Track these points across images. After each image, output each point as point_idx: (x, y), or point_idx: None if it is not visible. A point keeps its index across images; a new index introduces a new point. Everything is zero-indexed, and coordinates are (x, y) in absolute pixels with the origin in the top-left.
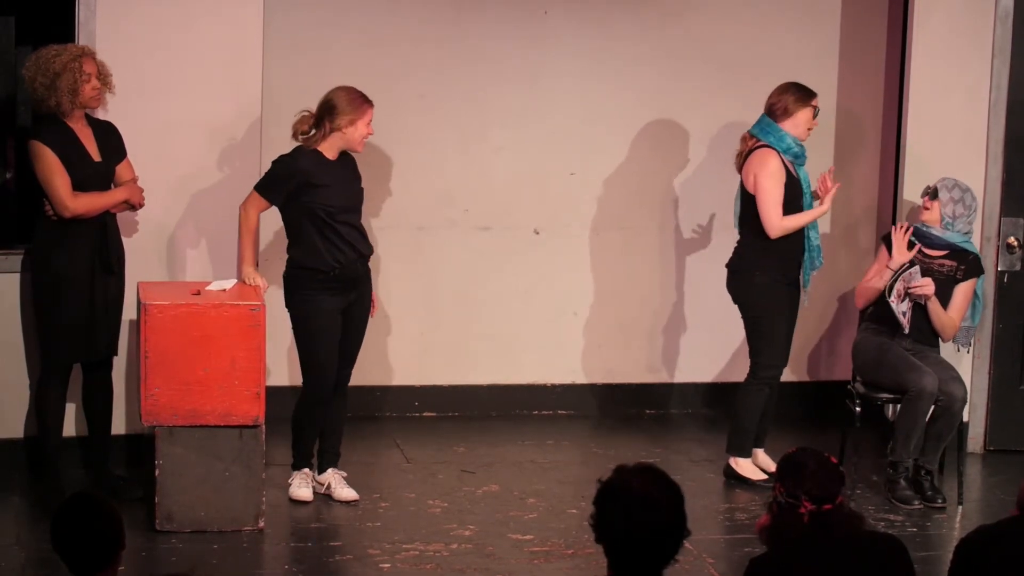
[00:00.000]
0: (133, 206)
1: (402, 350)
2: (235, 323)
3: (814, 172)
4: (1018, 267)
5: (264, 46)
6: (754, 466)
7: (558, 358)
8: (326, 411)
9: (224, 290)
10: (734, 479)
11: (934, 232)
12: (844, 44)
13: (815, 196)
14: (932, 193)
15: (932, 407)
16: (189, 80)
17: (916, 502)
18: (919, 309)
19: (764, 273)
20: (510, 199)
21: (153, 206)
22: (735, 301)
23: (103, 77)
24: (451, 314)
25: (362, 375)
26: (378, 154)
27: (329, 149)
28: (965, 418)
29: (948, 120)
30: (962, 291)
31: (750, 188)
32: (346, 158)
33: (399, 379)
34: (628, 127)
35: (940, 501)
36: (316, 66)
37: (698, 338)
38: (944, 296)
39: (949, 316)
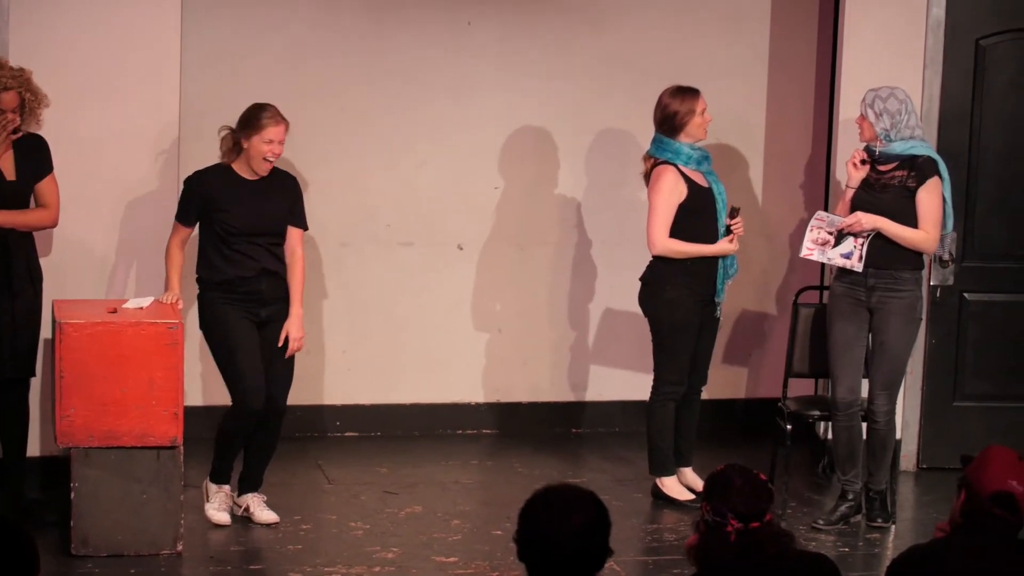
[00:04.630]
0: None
1: (324, 368)
2: (153, 342)
3: (734, 195)
4: (951, 281)
5: (182, 59)
6: (680, 485)
7: (483, 376)
8: (257, 434)
9: (141, 308)
10: (661, 499)
11: (876, 148)
12: (773, 54)
13: (731, 215)
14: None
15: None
16: (106, 94)
17: (850, 521)
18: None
19: (674, 288)
20: (434, 214)
21: (71, 222)
22: (644, 314)
23: (28, 104)
24: (374, 331)
25: None
26: (299, 168)
27: (242, 167)
28: (898, 435)
29: None
30: (925, 198)
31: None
32: (273, 177)
33: (321, 398)
34: (554, 140)
35: (880, 521)
36: (235, 80)
37: (626, 355)
38: (906, 209)
39: (920, 231)
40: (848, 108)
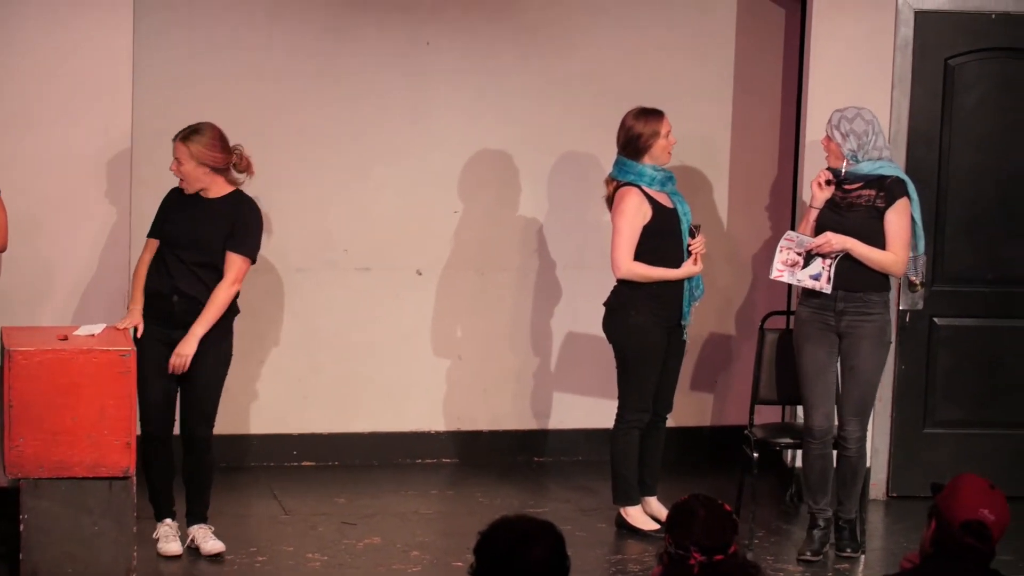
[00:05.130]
0: None
1: (280, 396)
2: (105, 370)
3: (698, 217)
4: (920, 305)
5: (134, 79)
6: (645, 515)
7: (443, 404)
8: (184, 468)
9: (93, 335)
10: (626, 529)
11: (842, 169)
12: (739, 73)
13: (691, 234)
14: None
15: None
16: (56, 114)
17: (821, 552)
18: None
19: (639, 313)
20: (392, 239)
21: (20, 245)
22: (608, 340)
23: None
24: (331, 359)
25: (237, 423)
26: (253, 192)
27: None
28: (867, 463)
29: None
30: (893, 219)
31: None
32: (227, 200)
33: (276, 427)
34: (514, 162)
35: (849, 551)
36: (189, 101)
37: (589, 382)
38: (874, 230)
39: (889, 252)
40: (815, 129)
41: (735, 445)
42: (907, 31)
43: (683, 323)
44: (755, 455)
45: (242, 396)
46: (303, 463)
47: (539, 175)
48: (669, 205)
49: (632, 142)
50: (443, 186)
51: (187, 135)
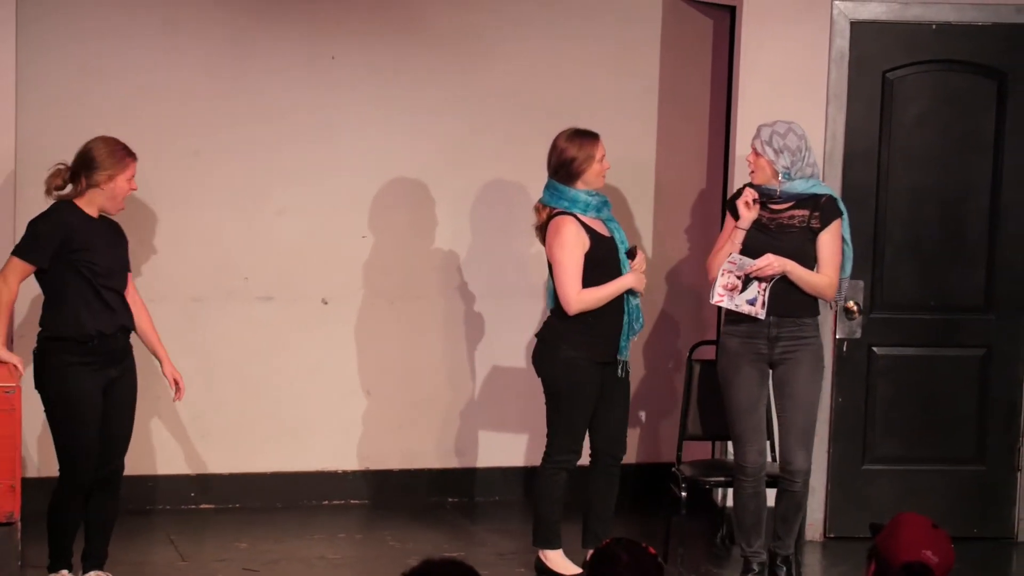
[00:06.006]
0: None
1: (175, 435)
2: None
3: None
4: (858, 334)
5: (17, 96)
6: (566, 559)
7: (350, 442)
8: (92, 507)
9: None
10: (545, 574)
11: (777, 188)
12: (664, 86)
13: (629, 255)
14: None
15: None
16: None
17: None
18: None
19: (572, 347)
20: (295, 266)
21: None
22: (538, 375)
23: None
24: (230, 394)
25: (131, 464)
26: (147, 215)
27: (89, 206)
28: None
29: None
30: (828, 241)
31: (550, 260)
32: (108, 219)
33: (172, 468)
34: (426, 184)
35: None
36: (76, 119)
37: (508, 418)
38: (809, 252)
39: (822, 275)
40: (745, 145)
41: (662, 483)
42: (843, 42)
43: (620, 358)
44: (683, 494)
45: (136, 435)
46: (201, 506)
47: (453, 197)
48: (606, 233)
49: (565, 166)
50: (351, 209)
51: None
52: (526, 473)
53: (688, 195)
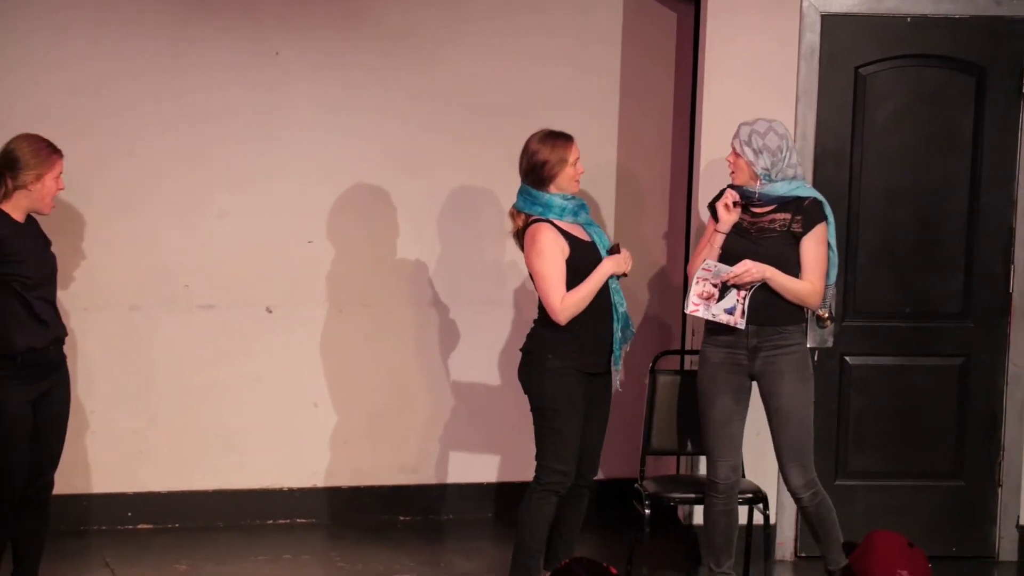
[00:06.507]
0: None
1: (111, 452)
2: None
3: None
4: (830, 343)
5: None
6: None
7: (297, 457)
8: (20, 526)
9: None
10: None
11: (756, 190)
12: (625, 83)
13: (611, 254)
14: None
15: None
16: None
17: None
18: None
19: (560, 358)
20: (238, 272)
21: None
22: (524, 390)
23: None
24: (169, 408)
25: (63, 482)
26: (80, 221)
27: (15, 210)
28: (772, 520)
29: None
30: (811, 246)
31: (530, 270)
32: (33, 221)
33: (107, 486)
34: (375, 186)
35: None
36: (3, 119)
37: (464, 432)
38: (790, 258)
39: (805, 281)
40: (711, 143)
41: (625, 500)
42: (813, 37)
43: (615, 368)
44: (647, 512)
45: (69, 452)
46: (139, 526)
47: (402, 199)
48: (585, 238)
49: (536, 169)
50: (296, 212)
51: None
52: (484, 490)
53: (651, 198)
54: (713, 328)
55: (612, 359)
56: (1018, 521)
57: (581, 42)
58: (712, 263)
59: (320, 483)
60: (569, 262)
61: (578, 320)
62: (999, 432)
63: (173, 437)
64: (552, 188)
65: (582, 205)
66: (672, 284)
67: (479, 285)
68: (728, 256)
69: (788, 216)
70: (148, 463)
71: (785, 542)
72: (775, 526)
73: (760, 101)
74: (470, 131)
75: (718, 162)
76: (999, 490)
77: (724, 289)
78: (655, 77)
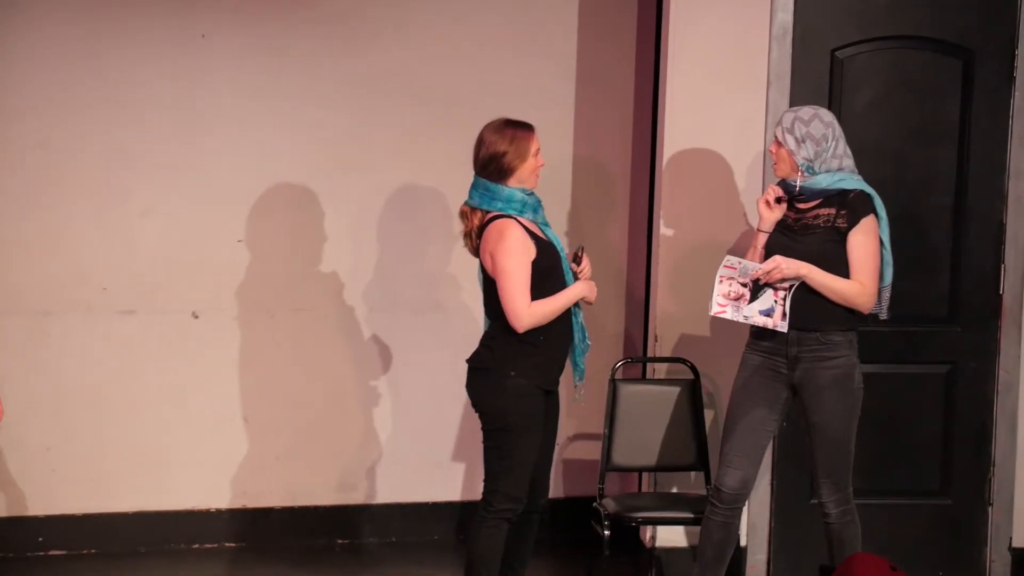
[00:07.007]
0: None
1: (20, 471)
2: None
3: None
4: None
5: None
6: None
7: (224, 476)
8: None
9: None
10: None
11: (796, 183)
12: (582, 68)
13: (575, 259)
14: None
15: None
16: None
17: None
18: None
19: (523, 375)
20: (160, 275)
21: None
22: (476, 408)
23: None
24: (85, 423)
25: None
26: None
27: None
28: (743, 541)
29: (713, 166)
30: (858, 242)
31: (491, 271)
32: None
33: (16, 508)
34: (309, 180)
35: None
36: None
37: (406, 449)
38: (832, 255)
39: (852, 282)
40: (675, 134)
41: (582, 521)
42: (785, 16)
43: (577, 383)
44: (606, 533)
45: None
46: (51, 552)
47: (340, 196)
48: (543, 237)
49: (494, 160)
50: (223, 210)
51: None
52: (429, 510)
53: (610, 191)
54: (757, 332)
55: (576, 373)
56: (1010, 543)
57: (534, 25)
58: (735, 259)
59: (251, 504)
60: (535, 264)
61: (542, 332)
62: (989, 446)
63: (89, 454)
64: (512, 182)
65: (540, 202)
66: (633, 287)
67: (422, 290)
68: (769, 254)
69: (833, 211)
70: (62, 483)
71: (757, 565)
72: (746, 548)
73: (728, 87)
74: (413, 122)
75: (683, 154)
76: (989, 509)
77: (757, 288)
78: (614, 62)
